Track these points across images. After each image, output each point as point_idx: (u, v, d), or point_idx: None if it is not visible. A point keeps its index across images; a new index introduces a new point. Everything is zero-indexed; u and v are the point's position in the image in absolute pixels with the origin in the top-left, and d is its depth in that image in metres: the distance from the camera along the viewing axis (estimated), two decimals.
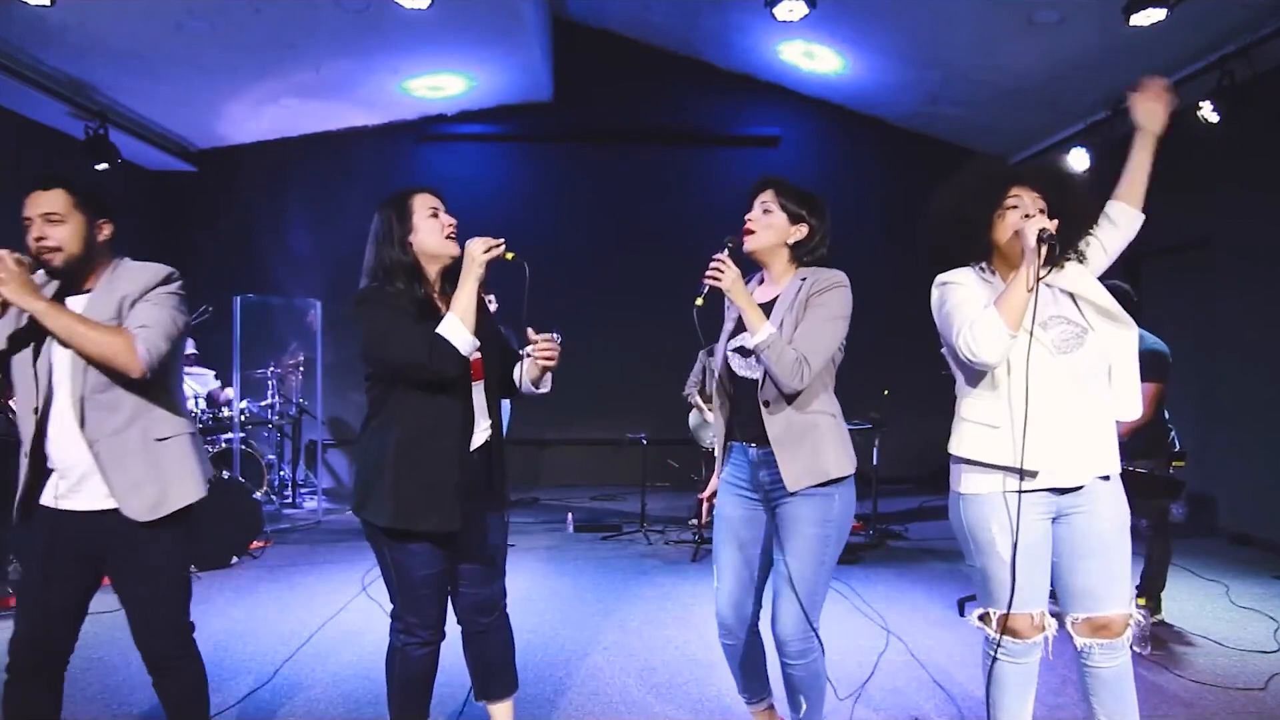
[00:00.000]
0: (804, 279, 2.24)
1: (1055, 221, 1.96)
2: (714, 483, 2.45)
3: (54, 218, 1.98)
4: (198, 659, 2.17)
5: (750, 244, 2.28)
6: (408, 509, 2.06)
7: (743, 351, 2.27)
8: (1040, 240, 1.92)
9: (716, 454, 2.45)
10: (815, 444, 2.17)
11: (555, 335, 2.19)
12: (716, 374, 2.39)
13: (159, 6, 5.38)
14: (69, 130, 6.58)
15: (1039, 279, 1.93)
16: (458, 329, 2.03)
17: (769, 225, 2.28)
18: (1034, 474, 1.97)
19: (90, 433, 1.98)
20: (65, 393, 1.98)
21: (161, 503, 2.03)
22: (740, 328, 2.27)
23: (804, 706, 2.24)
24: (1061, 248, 1.98)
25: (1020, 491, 1.97)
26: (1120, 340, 2.02)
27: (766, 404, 2.19)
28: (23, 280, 1.90)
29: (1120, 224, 2.16)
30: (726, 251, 2.21)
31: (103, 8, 5.24)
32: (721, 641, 2.38)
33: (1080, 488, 2.00)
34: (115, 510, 2.00)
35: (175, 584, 2.11)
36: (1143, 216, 2.18)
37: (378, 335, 2.06)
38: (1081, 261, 2.09)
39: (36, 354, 2.01)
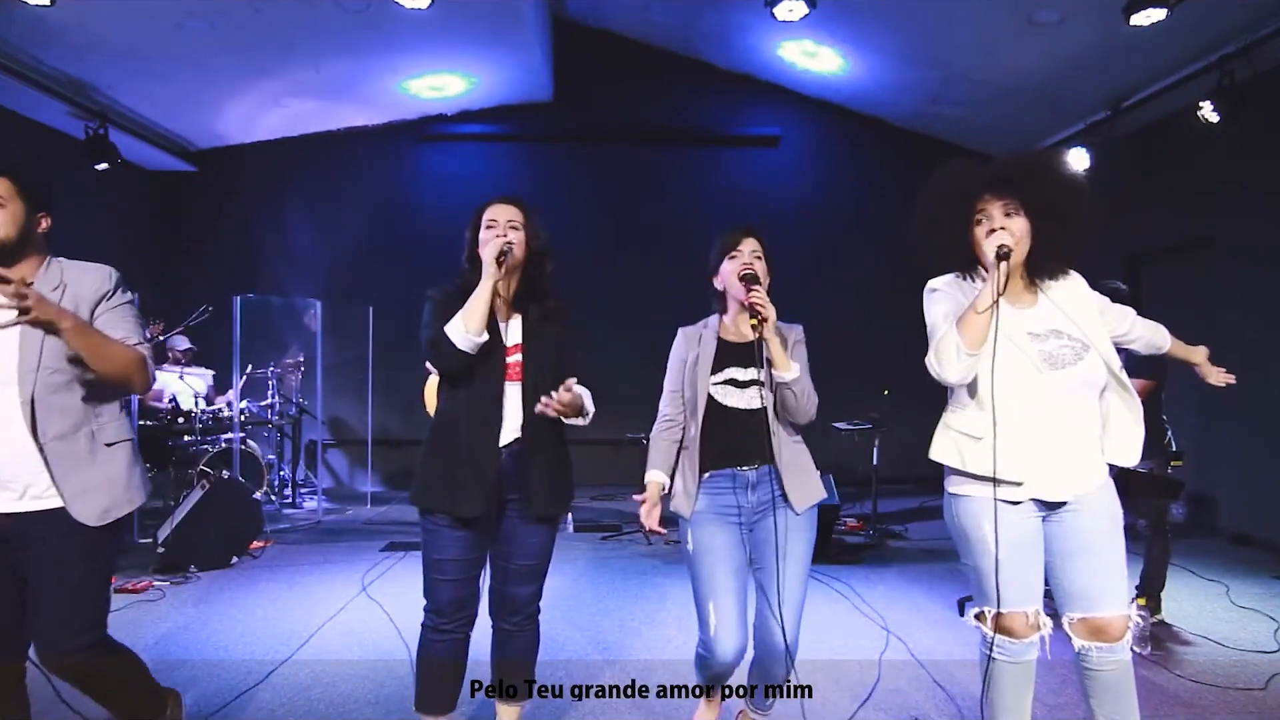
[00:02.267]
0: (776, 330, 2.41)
1: (1014, 236, 1.96)
2: (652, 513, 2.39)
3: None
4: (123, 649, 2.12)
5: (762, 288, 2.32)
6: (427, 490, 2.26)
7: (735, 383, 2.37)
8: (999, 257, 1.93)
9: (661, 486, 2.42)
10: (809, 468, 2.42)
11: (575, 386, 2.24)
12: (696, 407, 2.39)
13: (159, 6, 5.38)
14: (69, 130, 6.58)
15: (998, 295, 1.94)
16: (456, 327, 2.16)
17: (763, 274, 2.38)
18: (1017, 484, 1.99)
19: (41, 435, 1.95)
20: (12, 394, 1.93)
21: (110, 509, 2.03)
22: (729, 361, 2.39)
23: (772, 698, 2.47)
24: (1043, 249, 1.99)
25: (996, 499, 1.99)
26: (1125, 405, 2.05)
27: (774, 433, 2.33)
28: (45, 301, 1.84)
29: (1132, 338, 2.25)
30: (759, 287, 2.29)
31: (103, 8, 5.24)
32: (714, 672, 2.37)
33: (1065, 503, 2.01)
34: (43, 512, 1.96)
35: (104, 587, 2.09)
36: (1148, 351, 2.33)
37: (422, 329, 2.27)
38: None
39: None
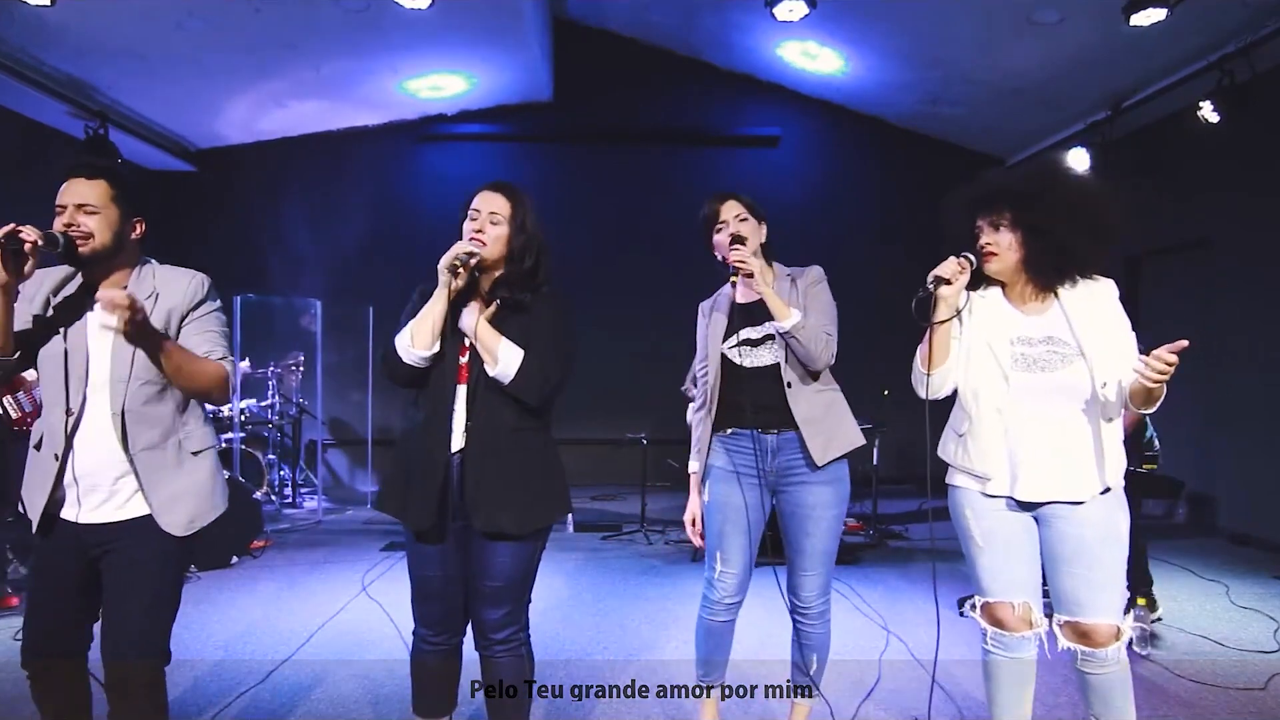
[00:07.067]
0: (789, 276, 2.45)
1: (955, 263, 2.02)
2: (695, 503, 2.52)
3: (89, 209, 1.92)
4: (165, 691, 2.04)
5: (749, 250, 2.36)
6: (383, 496, 2.22)
7: (749, 343, 2.39)
8: (934, 282, 2.00)
9: (696, 466, 2.53)
10: (837, 417, 2.41)
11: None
12: (708, 375, 2.46)
13: (159, 6, 5.38)
14: (69, 130, 6.57)
15: (934, 323, 2.03)
16: (403, 341, 2.07)
17: (751, 231, 2.41)
18: (986, 479, 2.06)
19: (131, 447, 1.93)
20: (103, 402, 1.92)
21: (196, 519, 2.01)
22: (742, 323, 2.42)
23: (814, 664, 2.47)
24: (1033, 260, 2.01)
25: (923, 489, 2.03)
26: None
27: (790, 385, 2.33)
28: (149, 327, 1.81)
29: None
30: (743, 246, 2.33)
31: (103, 8, 5.24)
32: (712, 621, 2.45)
33: (1043, 504, 2.02)
34: (129, 520, 1.95)
35: (177, 594, 2.06)
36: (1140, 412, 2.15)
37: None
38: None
39: (53, 346, 1.94)
